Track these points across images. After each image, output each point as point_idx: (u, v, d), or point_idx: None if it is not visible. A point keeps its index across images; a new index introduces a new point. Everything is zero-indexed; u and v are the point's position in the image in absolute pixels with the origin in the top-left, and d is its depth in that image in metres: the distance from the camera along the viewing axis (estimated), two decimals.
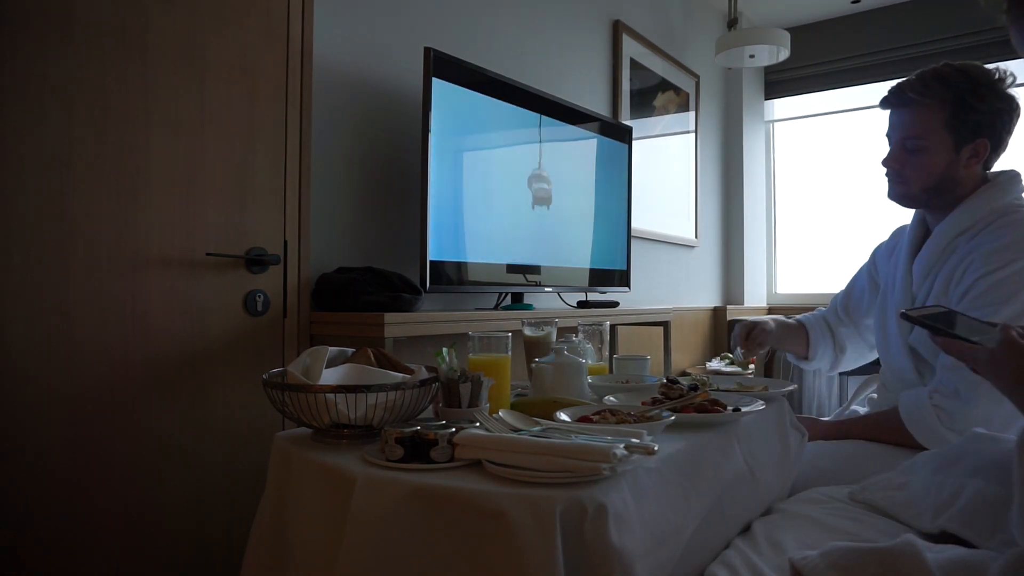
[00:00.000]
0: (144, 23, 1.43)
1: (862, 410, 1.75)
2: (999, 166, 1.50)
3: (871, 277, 1.72)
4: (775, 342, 1.76)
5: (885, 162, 1.51)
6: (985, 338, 0.90)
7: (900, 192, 1.51)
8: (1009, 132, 1.45)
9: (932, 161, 1.44)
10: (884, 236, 1.73)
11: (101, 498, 1.37)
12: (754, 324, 1.72)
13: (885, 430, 1.46)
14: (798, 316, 1.86)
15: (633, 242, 2.94)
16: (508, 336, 1.20)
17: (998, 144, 1.44)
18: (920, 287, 1.49)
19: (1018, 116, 1.44)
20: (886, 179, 1.53)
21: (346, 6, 1.89)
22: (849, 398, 1.83)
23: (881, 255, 1.71)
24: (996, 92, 1.40)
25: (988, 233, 1.40)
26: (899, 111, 1.48)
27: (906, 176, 1.48)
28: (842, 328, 1.77)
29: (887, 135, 1.52)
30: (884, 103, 1.51)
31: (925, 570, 0.80)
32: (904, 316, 0.99)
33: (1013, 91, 1.43)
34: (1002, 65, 1.43)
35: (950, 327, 0.96)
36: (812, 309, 1.86)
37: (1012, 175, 1.48)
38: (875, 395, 1.72)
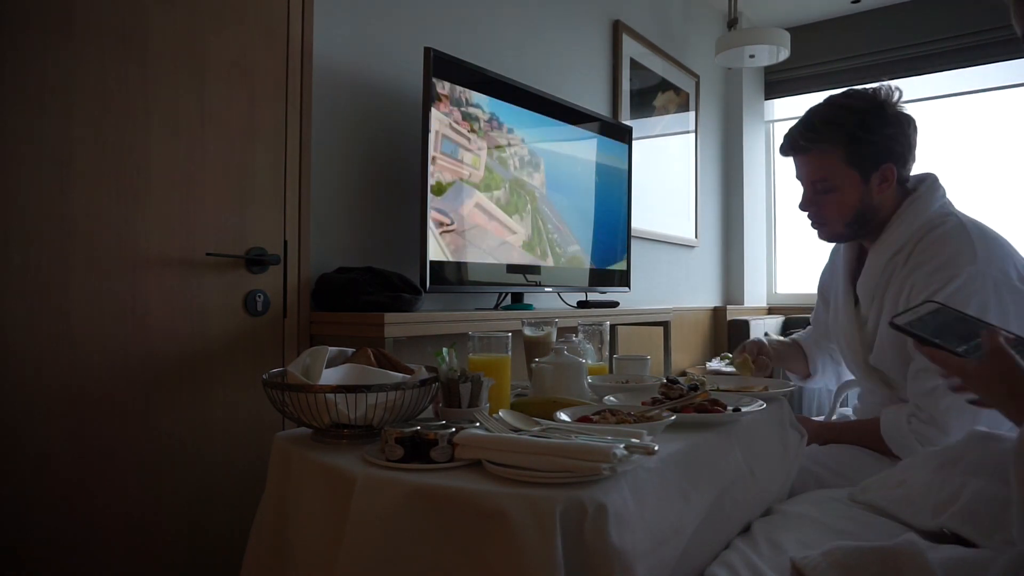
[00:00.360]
0: (144, 23, 1.43)
1: (849, 410, 1.76)
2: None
3: (825, 301, 1.72)
4: (777, 363, 1.74)
5: (801, 206, 1.54)
6: (970, 348, 0.89)
7: (826, 233, 1.54)
8: (911, 149, 1.45)
9: (845, 197, 1.46)
10: None
11: (101, 498, 1.37)
12: (759, 348, 1.68)
13: (871, 439, 1.46)
14: (793, 335, 1.86)
15: (633, 242, 2.94)
16: (508, 336, 1.20)
17: (904, 163, 1.45)
18: (869, 309, 1.50)
19: (915, 131, 1.44)
20: (808, 222, 1.55)
21: (346, 6, 1.89)
22: (844, 399, 1.84)
23: (825, 278, 1.72)
24: (884, 119, 1.41)
25: (921, 252, 1.40)
26: (799, 157, 1.51)
27: (824, 216, 1.50)
28: (829, 343, 1.77)
29: (797, 178, 1.54)
30: (783, 151, 1.54)
31: (926, 569, 0.80)
32: (892, 325, 0.97)
33: (903, 108, 1.43)
34: (886, 83, 1.43)
35: (940, 329, 0.94)
36: (812, 309, 1.85)
37: (930, 181, 1.47)
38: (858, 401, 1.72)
